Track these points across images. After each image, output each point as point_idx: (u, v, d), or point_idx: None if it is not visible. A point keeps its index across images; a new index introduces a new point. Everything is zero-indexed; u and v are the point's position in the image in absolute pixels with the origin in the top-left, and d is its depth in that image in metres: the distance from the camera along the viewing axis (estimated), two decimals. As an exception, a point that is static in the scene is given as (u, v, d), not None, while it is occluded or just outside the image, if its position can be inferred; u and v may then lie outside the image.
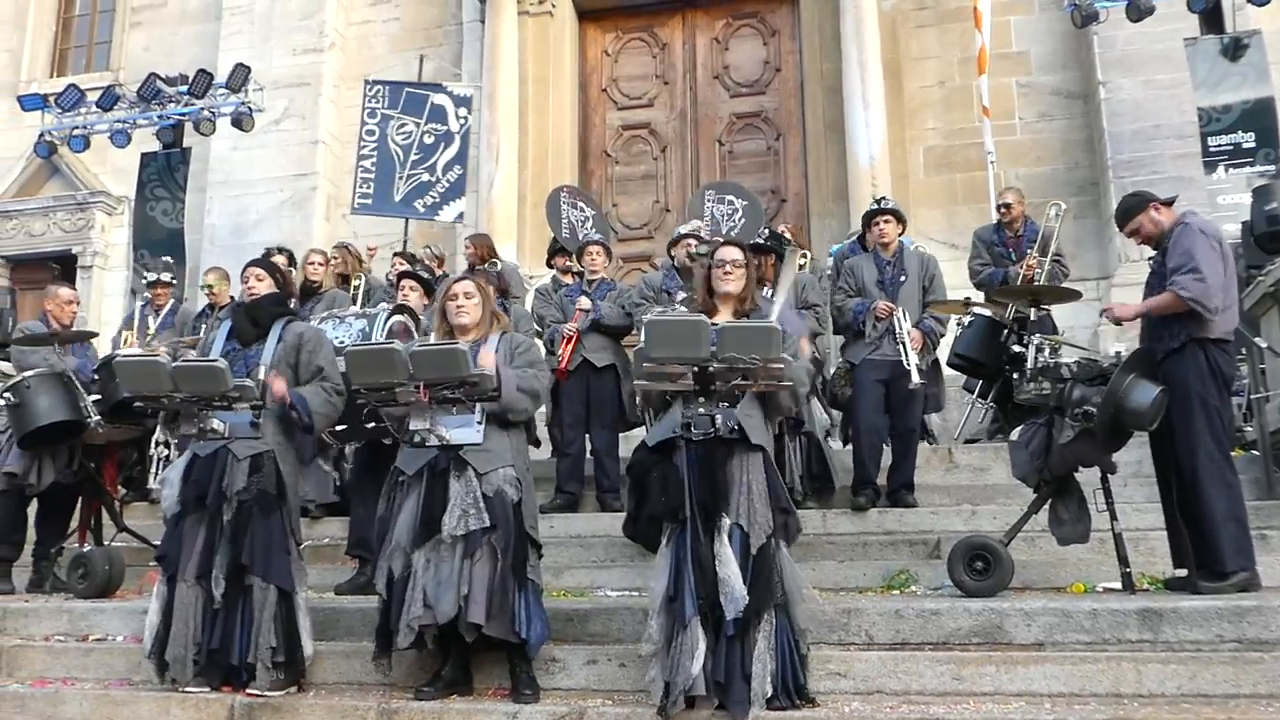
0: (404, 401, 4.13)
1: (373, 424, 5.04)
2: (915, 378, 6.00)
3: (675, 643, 3.71)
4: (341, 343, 5.21)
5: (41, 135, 11.55)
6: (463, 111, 10.76)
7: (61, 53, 14.50)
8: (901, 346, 6.10)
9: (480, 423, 4.16)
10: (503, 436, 4.21)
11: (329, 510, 6.80)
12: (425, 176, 10.58)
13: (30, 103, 11.63)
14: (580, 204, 9.44)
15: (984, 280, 7.38)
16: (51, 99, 11.50)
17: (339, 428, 4.97)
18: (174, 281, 8.43)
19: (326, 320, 5.50)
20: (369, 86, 10.93)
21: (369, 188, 10.70)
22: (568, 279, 7.60)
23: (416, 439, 4.17)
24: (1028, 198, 10.33)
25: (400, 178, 10.58)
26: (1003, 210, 7.70)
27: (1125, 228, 5.02)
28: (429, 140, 10.62)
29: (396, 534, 4.11)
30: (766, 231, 6.90)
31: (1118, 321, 4.93)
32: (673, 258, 6.86)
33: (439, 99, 10.79)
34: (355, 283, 8.13)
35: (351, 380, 4.16)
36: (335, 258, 8.27)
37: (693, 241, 6.75)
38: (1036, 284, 6.74)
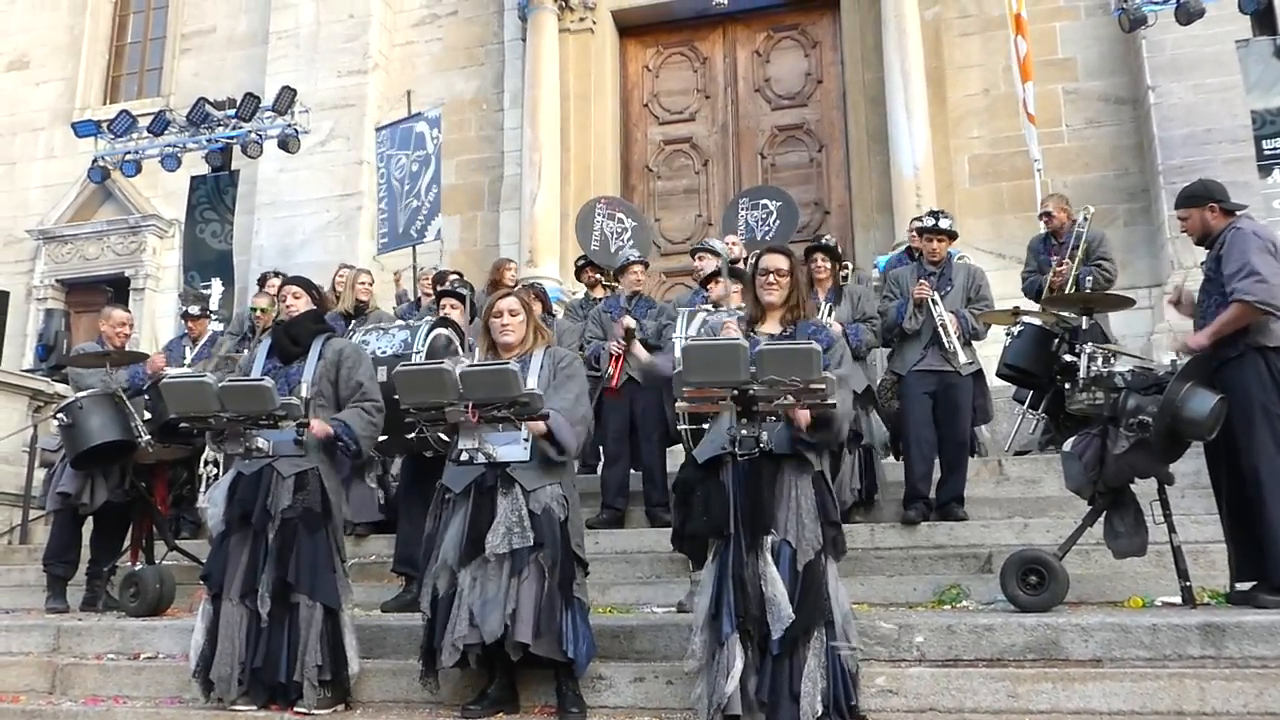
0: (453, 421, 4.12)
1: (414, 434, 5.05)
2: (962, 357, 6.00)
3: (715, 660, 3.67)
4: (384, 352, 5.22)
5: (95, 161, 11.81)
6: (435, 132, 11.02)
7: (114, 80, 14.82)
8: (942, 329, 6.06)
9: (527, 440, 4.13)
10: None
11: (374, 528, 6.81)
12: (414, 203, 10.89)
13: (84, 129, 11.89)
14: (620, 215, 9.42)
15: (1026, 289, 7.30)
16: (104, 125, 11.76)
17: (381, 438, 4.97)
18: (207, 313, 8.42)
19: (371, 332, 5.52)
20: (379, 134, 11.39)
21: (385, 227, 11.16)
22: (598, 292, 7.56)
23: (464, 457, 4.16)
24: (1077, 205, 10.18)
25: (401, 210, 10.94)
26: (1045, 219, 7.58)
27: (1178, 210, 4.99)
28: (414, 168, 10.95)
29: (443, 551, 4.09)
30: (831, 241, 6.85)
31: (1192, 353, 4.79)
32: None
33: (419, 127, 11.09)
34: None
35: (401, 399, 4.14)
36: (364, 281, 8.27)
37: (705, 255, 6.75)
38: (1082, 291, 6.64)
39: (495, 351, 4.32)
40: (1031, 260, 7.48)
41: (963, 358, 6.09)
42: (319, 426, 4.46)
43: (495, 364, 4.12)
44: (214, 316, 10.04)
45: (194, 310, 8.06)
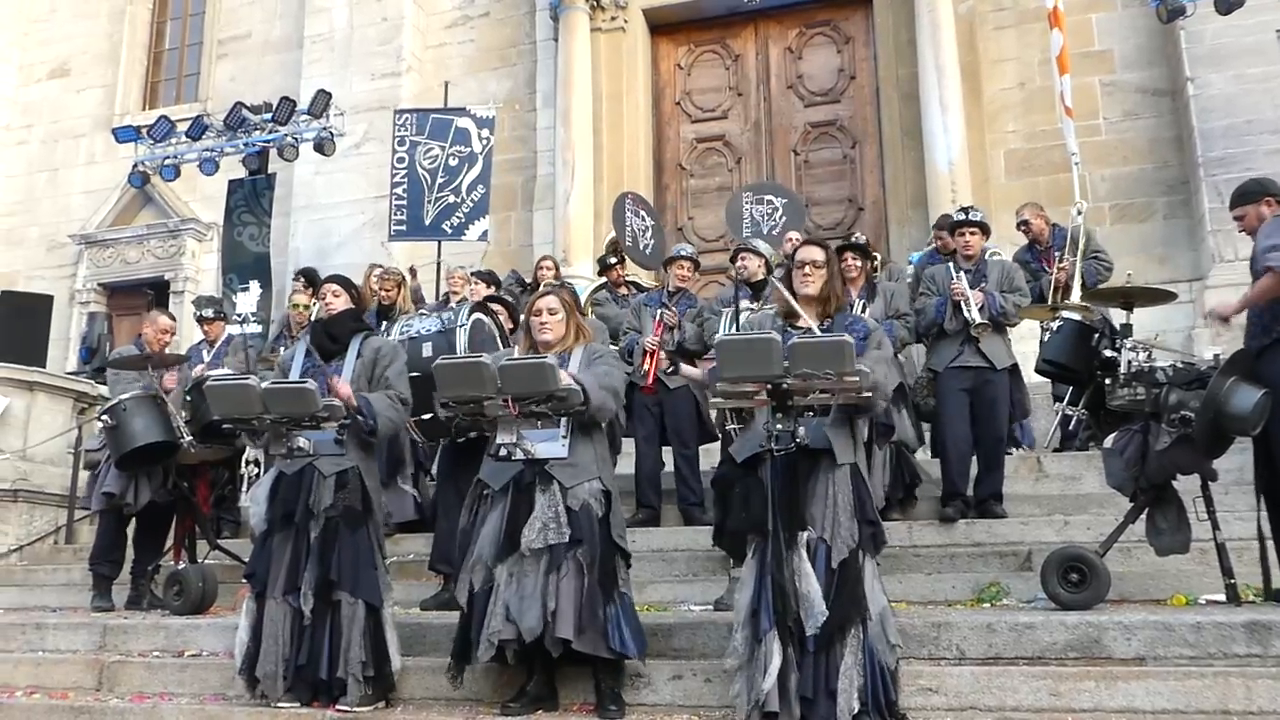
0: (491, 415, 4.14)
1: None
2: (977, 318, 5.99)
3: (754, 657, 3.67)
4: (428, 331, 5.27)
5: (135, 166, 11.98)
6: (485, 133, 10.83)
7: (153, 86, 15.03)
8: (962, 300, 6.03)
9: (565, 436, 4.14)
10: (588, 449, 4.19)
11: (403, 528, 6.84)
12: (451, 198, 10.67)
13: (124, 135, 12.04)
14: (643, 212, 9.50)
15: None
16: (144, 131, 11.92)
17: (425, 415, 4.98)
18: (221, 315, 8.43)
19: (415, 317, 5.56)
20: (398, 116, 11.07)
21: (402, 214, 10.80)
22: (622, 291, 7.53)
23: (502, 452, 4.17)
24: (1116, 199, 10.11)
25: (429, 201, 10.67)
26: (1023, 228, 7.56)
27: (1234, 210, 4.96)
28: (453, 163, 10.71)
29: (479, 547, 4.11)
30: (862, 239, 6.79)
31: (1223, 319, 4.76)
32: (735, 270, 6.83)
33: (463, 122, 10.87)
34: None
35: (440, 393, 4.16)
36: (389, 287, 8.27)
37: (748, 254, 6.71)
38: (1088, 287, 6.60)
39: (536, 350, 4.34)
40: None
41: (975, 315, 6.03)
42: (342, 388, 4.50)
43: (532, 358, 4.13)
44: (249, 318, 10.08)
45: (208, 313, 8.11)
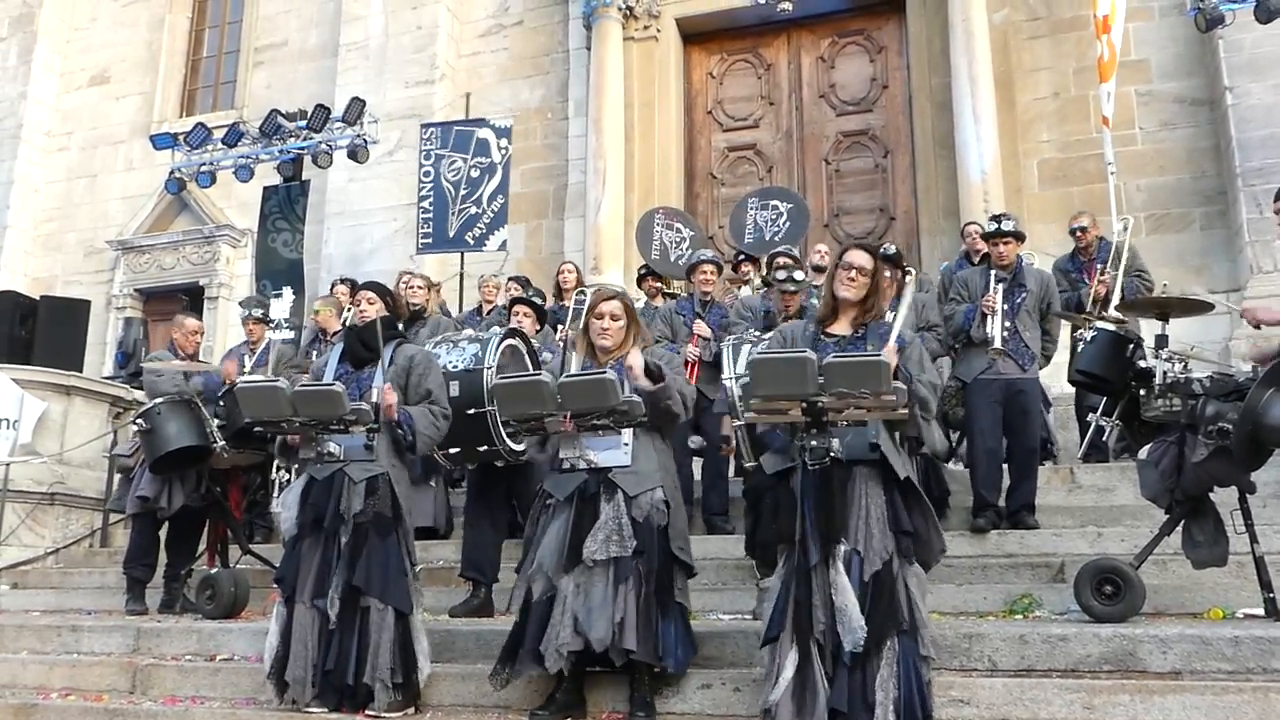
0: (552, 431, 4.13)
1: (485, 447, 5.08)
2: (997, 342, 5.95)
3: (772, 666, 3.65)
4: (455, 366, 5.28)
5: (172, 173, 12.10)
6: (503, 142, 10.92)
7: (190, 93, 15.21)
8: (990, 314, 5.97)
9: (627, 444, 4.12)
10: (651, 456, 4.16)
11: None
12: (473, 209, 10.79)
13: (161, 142, 12.16)
14: (677, 224, 9.52)
15: (1061, 307, 7.13)
16: (181, 138, 12.04)
17: (452, 450, 5.02)
18: (267, 320, 8.55)
19: (441, 344, 5.58)
20: (424, 130, 11.18)
21: (429, 227, 10.96)
22: (657, 302, 7.58)
23: (565, 465, 4.16)
24: (1152, 209, 10.01)
25: (453, 213, 10.81)
26: (1078, 234, 7.51)
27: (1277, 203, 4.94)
28: (475, 174, 10.83)
29: (539, 556, 4.08)
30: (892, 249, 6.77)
31: (1257, 325, 4.69)
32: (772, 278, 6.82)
33: (483, 133, 10.97)
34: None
35: (500, 411, 4.16)
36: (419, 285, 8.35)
37: (787, 260, 6.69)
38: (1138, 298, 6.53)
39: (593, 353, 4.31)
40: (1061, 280, 7.31)
41: (996, 335, 5.99)
42: (390, 396, 4.52)
43: (593, 374, 4.08)
44: (281, 324, 10.16)
45: (257, 313, 8.15)
